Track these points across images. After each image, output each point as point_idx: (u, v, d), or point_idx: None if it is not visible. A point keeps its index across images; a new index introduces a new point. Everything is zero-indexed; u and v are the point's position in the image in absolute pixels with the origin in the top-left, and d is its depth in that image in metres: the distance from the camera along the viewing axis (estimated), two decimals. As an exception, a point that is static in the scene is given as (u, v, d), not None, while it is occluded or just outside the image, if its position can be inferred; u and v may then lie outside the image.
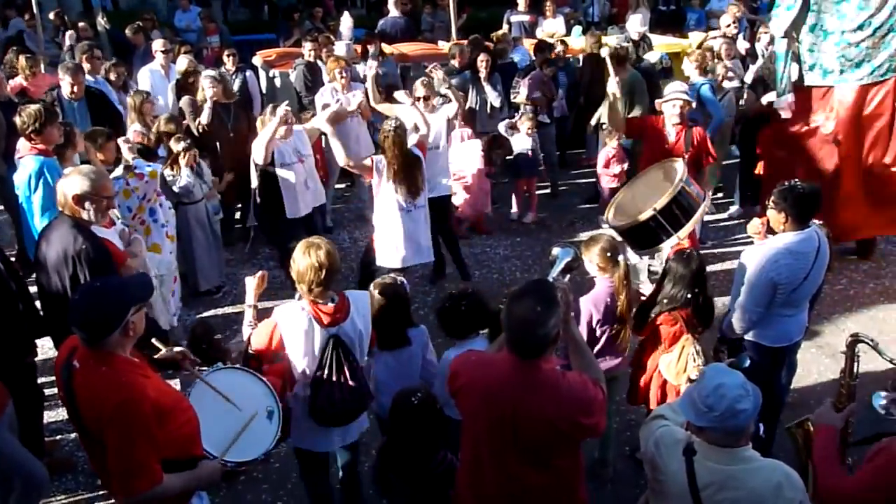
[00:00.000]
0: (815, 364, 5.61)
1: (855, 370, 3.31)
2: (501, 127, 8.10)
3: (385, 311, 3.84)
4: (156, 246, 5.66)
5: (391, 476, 3.39)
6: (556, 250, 3.35)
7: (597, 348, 4.21)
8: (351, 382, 3.54)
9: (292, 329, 3.48)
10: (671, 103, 6.06)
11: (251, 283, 3.76)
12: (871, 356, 3.35)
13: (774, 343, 4.32)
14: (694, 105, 6.48)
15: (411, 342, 3.93)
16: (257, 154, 6.02)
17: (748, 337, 4.33)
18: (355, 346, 3.59)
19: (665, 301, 4.14)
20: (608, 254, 4.16)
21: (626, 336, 4.26)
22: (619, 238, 4.73)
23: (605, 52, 7.14)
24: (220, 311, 6.57)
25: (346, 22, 10.47)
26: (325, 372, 3.50)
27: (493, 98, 8.20)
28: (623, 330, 4.25)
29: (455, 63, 8.51)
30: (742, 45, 9.53)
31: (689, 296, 4.10)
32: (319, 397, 3.53)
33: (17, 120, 5.30)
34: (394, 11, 11.51)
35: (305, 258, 3.44)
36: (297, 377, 3.58)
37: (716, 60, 8.35)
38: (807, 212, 4.15)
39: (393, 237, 5.88)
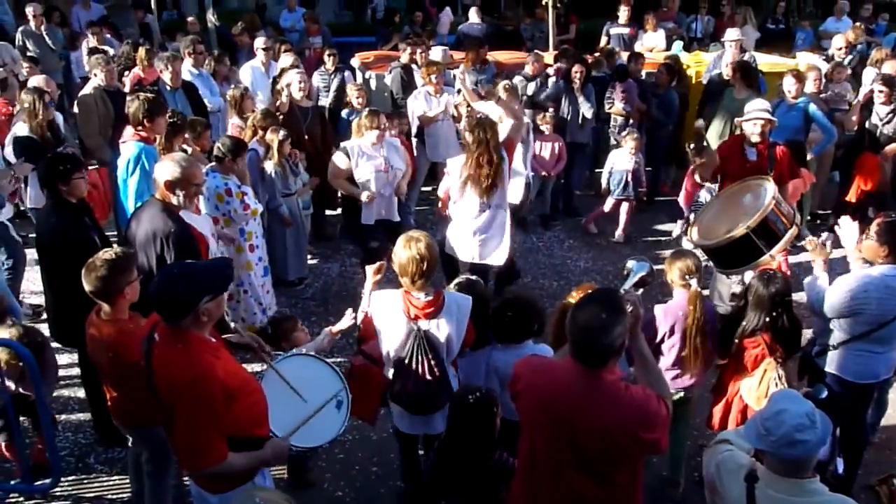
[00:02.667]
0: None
1: None
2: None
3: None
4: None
5: (445, 474, 3.39)
6: (631, 263, 3.31)
7: (662, 362, 4.13)
8: (428, 377, 3.63)
9: (381, 315, 3.72)
10: (752, 122, 5.86)
11: (370, 270, 3.90)
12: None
13: (858, 379, 4.13)
14: (777, 123, 6.22)
15: (492, 341, 3.94)
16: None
17: (830, 369, 4.16)
18: (441, 346, 3.68)
19: (744, 323, 4.04)
20: (686, 275, 4.10)
21: (690, 357, 4.11)
22: (704, 257, 4.62)
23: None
24: (300, 302, 6.75)
25: (445, 18, 10.67)
26: (406, 361, 3.65)
27: (586, 109, 8.12)
28: (688, 350, 4.12)
29: (529, 70, 8.44)
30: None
31: (768, 319, 3.97)
32: (395, 383, 3.71)
33: (129, 109, 5.59)
34: (474, 18, 11.73)
35: (406, 251, 3.60)
36: (383, 360, 3.78)
37: (823, 81, 8.03)
38: None
39: (464, 231, 5.77)
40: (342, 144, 6.25)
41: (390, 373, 3.77)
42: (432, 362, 3.64)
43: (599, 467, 2.78)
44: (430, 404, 3.73)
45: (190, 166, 4.34)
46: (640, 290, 3.21)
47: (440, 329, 3.66)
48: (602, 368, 2.71)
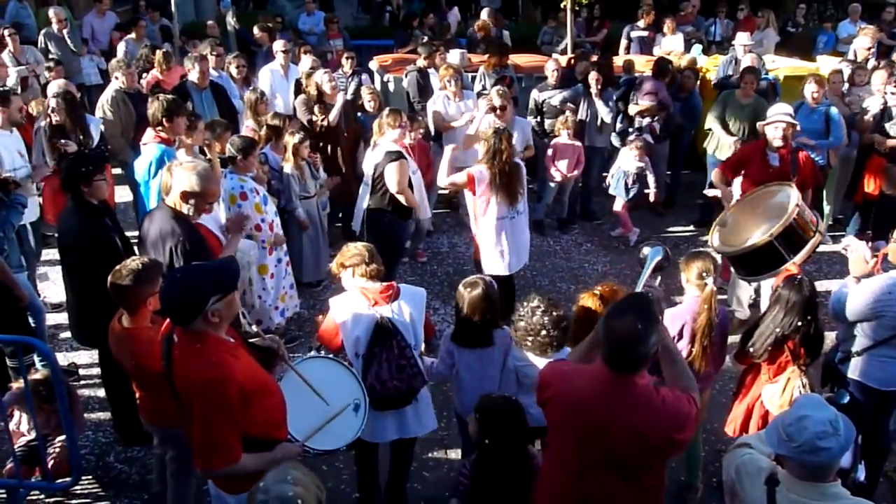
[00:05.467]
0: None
1: None
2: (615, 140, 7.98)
3: (473, 309, 3.87)
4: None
5: (492, 482, 3.34)
6: (645, 249, 3.31)
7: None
8: (400, 361, 3.72)
9: (343, 312, 3.79)
10: (774, 125, 5.81)
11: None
12: None
13: (882, 386, 4.08)
14: (799, 128, 6.20)
15: (494, 342, 3.93)
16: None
17: (853, 376, 4.12)
18: (407, 329, 3.79)
19: (777, 329, 3.97)
20: (702, 274, 4.06)
21: (697, 358, 4.04)
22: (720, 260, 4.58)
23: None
24: (318, 303, 6.74)
25: (452, 19, 10.68)
26: (374, 350, 3.71)
27: (605, 113, 8.09)
28: (696, 352, 4.06)
29: (551, 81, 8.26)
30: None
31: (800, 323, 3.93)
32: (369, 375, 3.72)
33: (149, 110, 5.64)
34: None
35: (344, 251, 3.92)
36: (351, 360, 3.79)
37: (846, 85, 7.97)
38: None
39: (497, 246, 5.80)
40: (395, 149, 6.04)
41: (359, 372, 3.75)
42: (402, 344, 3.75)
43: (631, 470, 2.80)
44: (407, 390, 3.78)
45: (209, 183, 4.33)
46: (658, 278, 3.20)
47: (402, 312, 3.81)
48: (634, 374, 2.74)
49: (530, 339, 3.82)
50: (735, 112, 7.68)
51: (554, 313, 3.81)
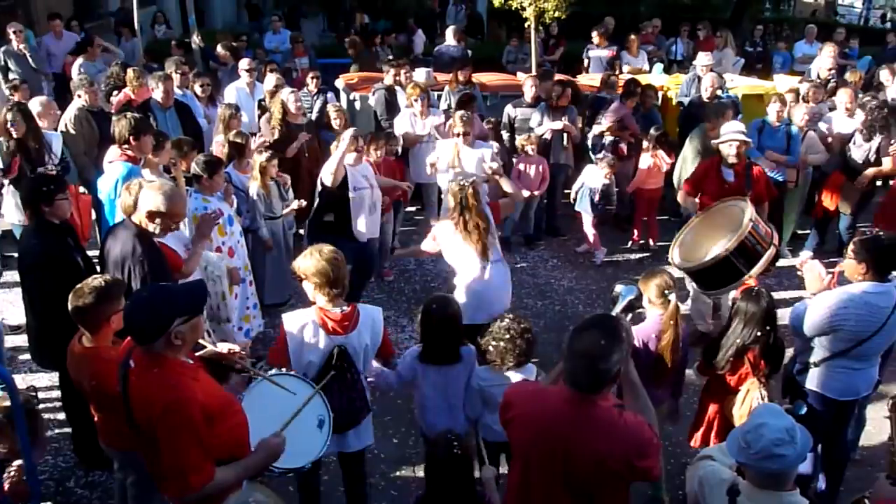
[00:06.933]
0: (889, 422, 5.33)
1: None
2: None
3: (437, 327, 3.88)
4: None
5: None
6: (619, 287, 3.35)
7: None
8: (350, 393, 3.65)
9: (297, 333, 3.64)
10: (728, 143, 5.98)
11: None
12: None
13: (840, 396, 4.17)
14: (752, 145, 6.43)
15: (461, 359, 3.94)
16: (326, 176, 6.02)
17: (812, 387, 4.20)
18: (359, 358, 3.70)
19: (737, 340, 4.05)
20: (664, 291, 4.10)
21: (661, 373, 4.11)
22: (683, 275, 4.66)
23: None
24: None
25: (418, 40, 10.72)
26: (328, 376, 3.59)
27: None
28: (660, 367, 4.12)
29: (529, 97, 8.41)
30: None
31: (759, 334, 4.01)
32: None
33: (115, 129, 5.57)
34: (450, 40, 11.79)
35: (310, 261, 3.66)
36: None
37: (801, 103, 8.19)
38: (888, 264, 4.03)
39: (463, 296, 5.37)
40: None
41: None
42: (355, 377, 3.68)
43: (591, 493, 2.75)
44: (354, 418, 3.73)
45: (175, 203, 4.27)
46: (630, 315, 3.24)
47: (359, 341, 3.68)
48: (597, 395, 2.69)
49: (508, 354, 3.83)
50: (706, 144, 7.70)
51: (522, 325, 3.87)
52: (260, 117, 8.11)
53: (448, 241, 5.33)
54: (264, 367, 3.65)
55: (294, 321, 3.69)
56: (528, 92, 8.39)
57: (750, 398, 4.04)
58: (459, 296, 5.35)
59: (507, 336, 3.81)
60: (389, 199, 7.10)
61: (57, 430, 5.17)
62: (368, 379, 3.96)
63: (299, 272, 3.73)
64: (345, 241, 6.08)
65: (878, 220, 7.17)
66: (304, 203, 6.82)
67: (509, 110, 8.49)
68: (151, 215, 4.21)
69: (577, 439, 2.67)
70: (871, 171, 7.29)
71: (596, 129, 8.59)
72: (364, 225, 6.31)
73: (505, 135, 8.42)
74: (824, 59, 10.46)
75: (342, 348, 3.65)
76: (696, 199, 6.16)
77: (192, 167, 5.61)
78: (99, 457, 4.41)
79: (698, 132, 7.73)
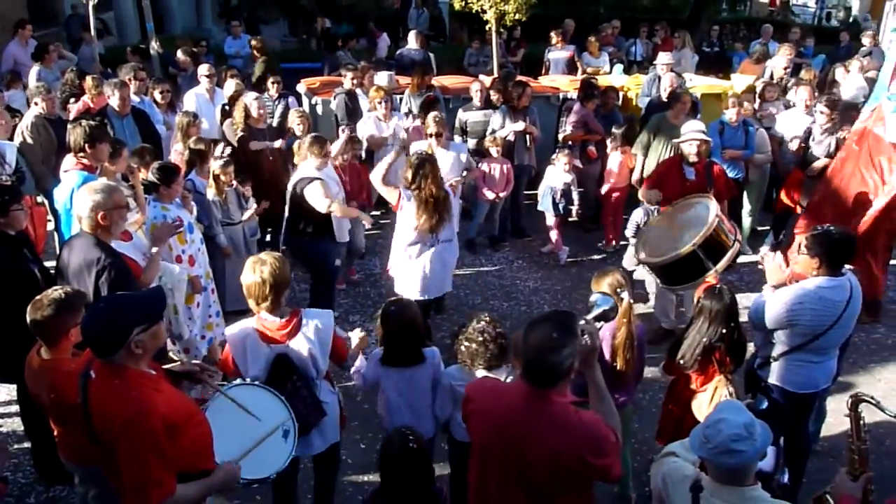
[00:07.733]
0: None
1: (862, 432, 3.20)
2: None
3: (396, 330, 3.88)
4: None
5: None
6: (596, 296, 3.36)
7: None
8: (294, 401, 3.59)
9: (239, 347, 3.63)
10: (689, 143, 6.08)
11: (355, 336, 4.02)
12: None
13: (799, 389, 4.25)
14: (712, 144, 6.55)
15: (424, 360, 3.95)
16: (379, 187, 6.02)
17: (772, 381, 4.27)
18: (306, 364, 3.66)
19: (703, 339, 4.09)
20: (616, 289, 4.08)
21: (622, 371, 4.10)
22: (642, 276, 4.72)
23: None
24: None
25: (382, 43, 10.71)
26: (272, 386, 3.57)
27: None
28: (620, 365, 4.12)
29: (477, 101, 8.44)
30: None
31: (724, 331, 4.06)
32: None
33: (70, 137, 5.47)
34: (412, 44, 11.80)
35: (250, 274, 3.60)
36: None
37: (756, 101, 8.35)
38: (840, 259, 4.11)
39: (408, 269, 5.81)
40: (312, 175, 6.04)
41: None
42: (298, 384, 3.64)
43: (547, 491, 2.74)
44: (303, 425, 3.68)
45: (111, 194, 4.20)
46: (601, 325, 3.26)
47: (301, 348, 3.64)
48: (551, 390, 2.68)
49: (478, 357, 3.82)
50: (669, 133, 7.78)
51: (497, 329, 3.87)
52: (222, 122, 8.02)
53: (405, 209, 5.53)
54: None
55: (236, 333, 3.68)
56: (476, 95, 8.45)
57: (718, 395, 4.09)
58: (395, 261, 5.68)
59: (480, 339, 3.81)
60: (357, 202, 7.09)
61: (16, 445, 5.06)
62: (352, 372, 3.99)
63: (243, 285, 3.70)
64: (327, 241, 6.21)
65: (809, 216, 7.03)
66: (266, 204, 6.78)
67: (460, 115, 8.55)
68: (96, 214, 4.13)
69: (532, 435, 2.67)
70: (821, 161, 7.41)
71: (561, 135, 8.64)
72: (344, 229, 6.44)
73: (458, 139, 8.37)
74: (779, 59, 10.68)
75: (281, 357, 3.61)
76: (659, 191, 6.26)
77: (149, 175, 5.52)
78: (60, 471, 4.33)
79: (658, 117, 7.87)
